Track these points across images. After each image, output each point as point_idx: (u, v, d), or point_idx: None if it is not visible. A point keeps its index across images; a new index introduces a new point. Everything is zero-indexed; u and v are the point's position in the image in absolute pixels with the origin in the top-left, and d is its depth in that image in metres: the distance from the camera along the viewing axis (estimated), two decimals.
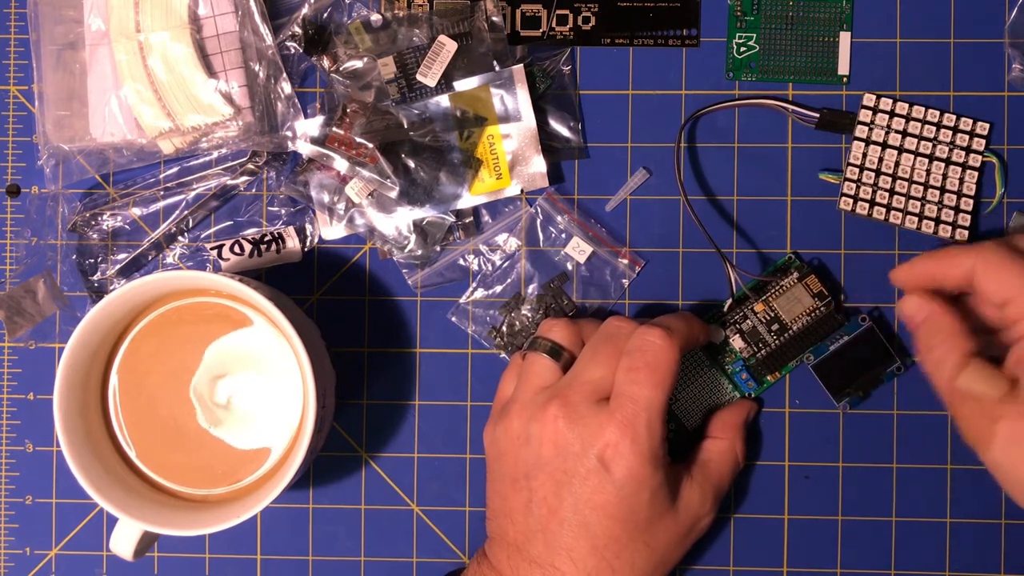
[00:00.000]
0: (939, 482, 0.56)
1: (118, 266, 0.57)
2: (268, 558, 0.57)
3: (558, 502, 0.48)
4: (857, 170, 0.55)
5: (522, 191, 0.56)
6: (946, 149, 0.55)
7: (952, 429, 0.56)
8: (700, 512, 0.51)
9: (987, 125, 0.55)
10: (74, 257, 0.57)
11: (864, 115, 0.55)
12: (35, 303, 0.55)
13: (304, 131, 0.56)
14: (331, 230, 0.56)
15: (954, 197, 0.55)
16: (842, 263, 0.56)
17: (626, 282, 0.57)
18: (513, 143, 0.56)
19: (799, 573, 0.56)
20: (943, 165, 0.55)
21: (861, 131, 0.55)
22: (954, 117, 0.55)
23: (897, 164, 0.55)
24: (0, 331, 0.58)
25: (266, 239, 0.56)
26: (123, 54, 0.54)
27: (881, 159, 0.55)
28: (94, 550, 0.58)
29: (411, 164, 0.55)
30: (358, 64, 0.56)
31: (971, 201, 0.55)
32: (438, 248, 0.56)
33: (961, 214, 0.55)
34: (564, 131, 0.56)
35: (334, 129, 0.55)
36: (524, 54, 0.56)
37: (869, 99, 0.55)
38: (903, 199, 0.55)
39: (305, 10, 0.56)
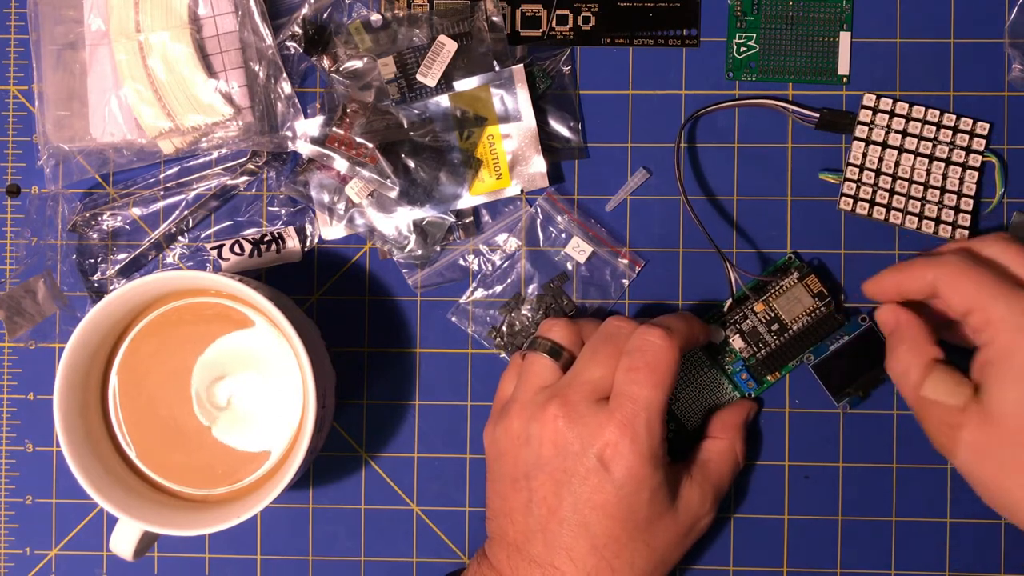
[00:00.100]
0: (939, 482, 0.56)
1: (118, 266, 0.57)
2: (268, 558, 0.57)
3: (558, 502, 0.48)
4: (857, 170, 0.55)
5: (522, 191, 0.56)
6: (946, 149, 0.55)
7: None
8: (700, 512, 0.51)
9: (987, 125, 0.55)
10: (74, 257, 0.57)
11: (864, 115, 0.55)
12: (35, 303, 0.55)
13: (304, 131, 0.55)
14: (331, 230, 0.56)
15: (954, 197, 0.55)
16: (842, 263, 0.56)
17: (626, 282, 0.57)
18: (513, 143, 0.56)
19: (799, 573, 0.56)
20: (943, 165, 0.55)
21: (861, 131, 0.55)
22: (954, 117, 0.55)
23: (897, 164, 0.55)
24: (0, 331, 0.58)
25: (266, 239, 0.56)
26: (123, 54, 0.54)
27: (881, 159, 0.55)
28: (94, 550, 0.58)
29: (411, 164, 0.55)
30: (358, 64, 0.56)
31: (971, 201, 0.55)
32: (438, 248, 0.56)
33: (961, 214, 0.55)
34: (564, 131, 0.56)
35: (334, 129, 0.55)
36: (524, 54, 0.56)
37: (869, 99, 0.55)
38: (903, 199, 0.55)
39: (305, 10, 0.56)
